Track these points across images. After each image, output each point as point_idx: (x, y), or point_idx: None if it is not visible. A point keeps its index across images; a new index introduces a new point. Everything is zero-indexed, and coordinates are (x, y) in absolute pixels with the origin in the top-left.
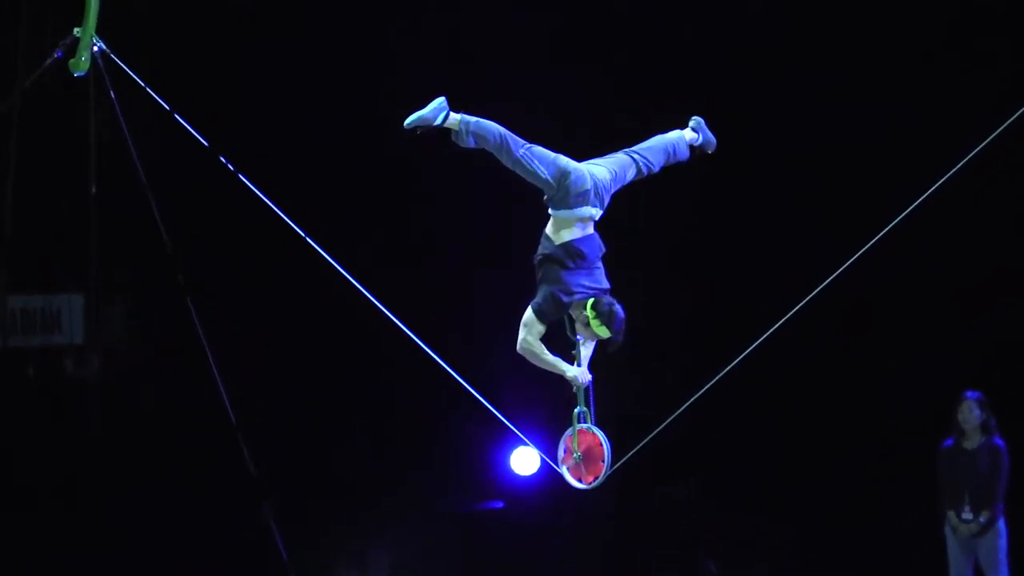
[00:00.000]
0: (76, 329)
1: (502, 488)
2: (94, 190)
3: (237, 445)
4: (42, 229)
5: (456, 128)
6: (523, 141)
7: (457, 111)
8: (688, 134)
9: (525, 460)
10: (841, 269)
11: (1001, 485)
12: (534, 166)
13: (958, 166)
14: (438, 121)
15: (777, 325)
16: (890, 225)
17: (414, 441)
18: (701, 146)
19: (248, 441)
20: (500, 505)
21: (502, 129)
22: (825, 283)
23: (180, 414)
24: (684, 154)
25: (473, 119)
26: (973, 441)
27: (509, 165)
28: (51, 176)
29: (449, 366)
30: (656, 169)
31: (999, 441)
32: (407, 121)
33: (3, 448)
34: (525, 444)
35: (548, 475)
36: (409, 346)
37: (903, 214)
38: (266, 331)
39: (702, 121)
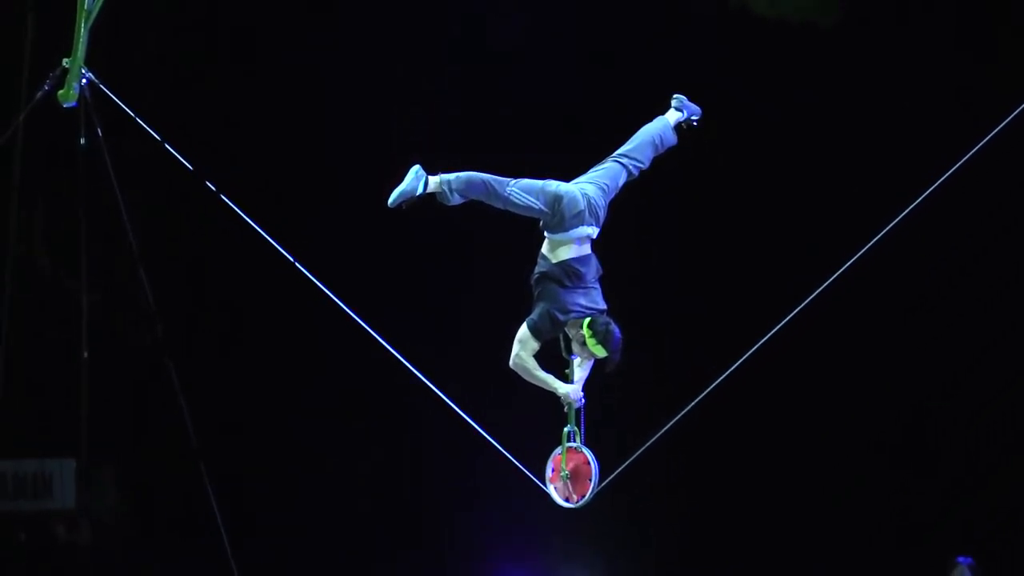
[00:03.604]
0: (68, 494)
1: None
2: (86, 355)
3: None
4: (33, 393)
5: (439, 190)
6: (508, 179)
7: (435, 172)
8: (672, 116)
9: None
10: (823, 287)
11: None
12: (525, 201)
13: (939, 181)
14: (420, 191)
15: (763, 340)
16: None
17: None
18: (687, 120)
19: None
20: None
21: (483, 176)
22: (810, 297)
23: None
24: (671, 140)
25: (453, 176)
26: None
27: (500, 207)
28: (41, 341)
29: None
30: (646, 165)
31: None
32: (390, 200)
33: None
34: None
35: None
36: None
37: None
38: None
39: (684, 98)
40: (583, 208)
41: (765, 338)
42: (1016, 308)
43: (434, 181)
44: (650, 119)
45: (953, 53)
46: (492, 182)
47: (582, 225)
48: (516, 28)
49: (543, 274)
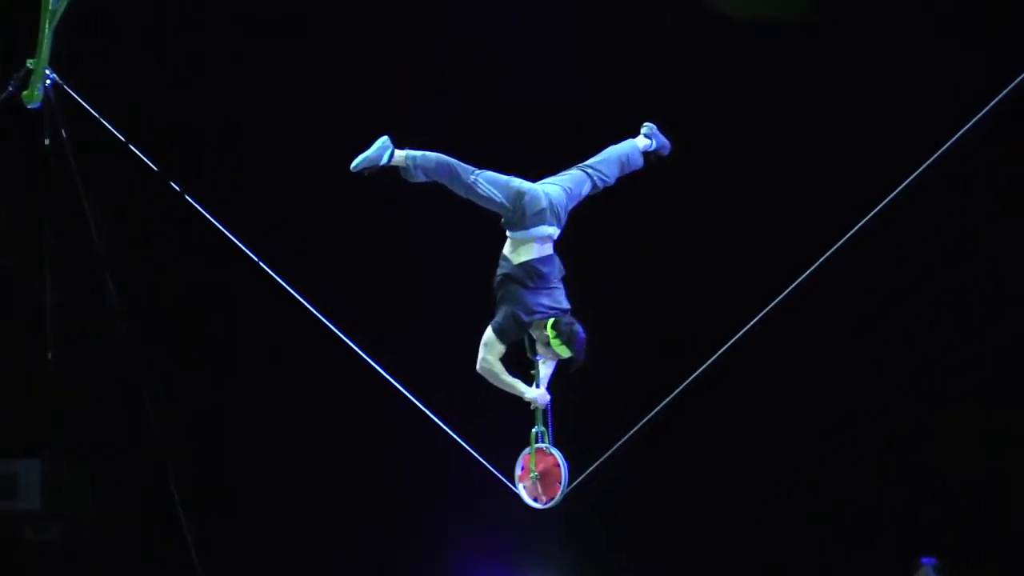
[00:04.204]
0: (33, 494)
1: None
2: (51, 356)
3: None
4: None
5: (403, 165)
6: (472, 168)
7: (401, 147)
8: (641, 141)
9: None
10: (796, 282)
11: None
12: (488, 191)
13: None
14: (384, 160)
15: (735, 338)
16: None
17: None
18: (656, 151)
19: None
20: None
21: (449, 159)
22: (779, 298)
23: None
24: (638, 163)
25: (419, 153)
26: None
27: (462, 194)
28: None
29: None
30: (611, 181)
31: None
32: (353, 164)
33: None
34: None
35: None
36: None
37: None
38: None
39: (655, 127)
40: (544, 207)
41: (736, 336)
42: (995, 302)
43: (400, 155)
44: (651, 118)
45: (953, 52)
46: (457, 167)
47: (543, 224)
48: (516, 28)
49: (506, 275)
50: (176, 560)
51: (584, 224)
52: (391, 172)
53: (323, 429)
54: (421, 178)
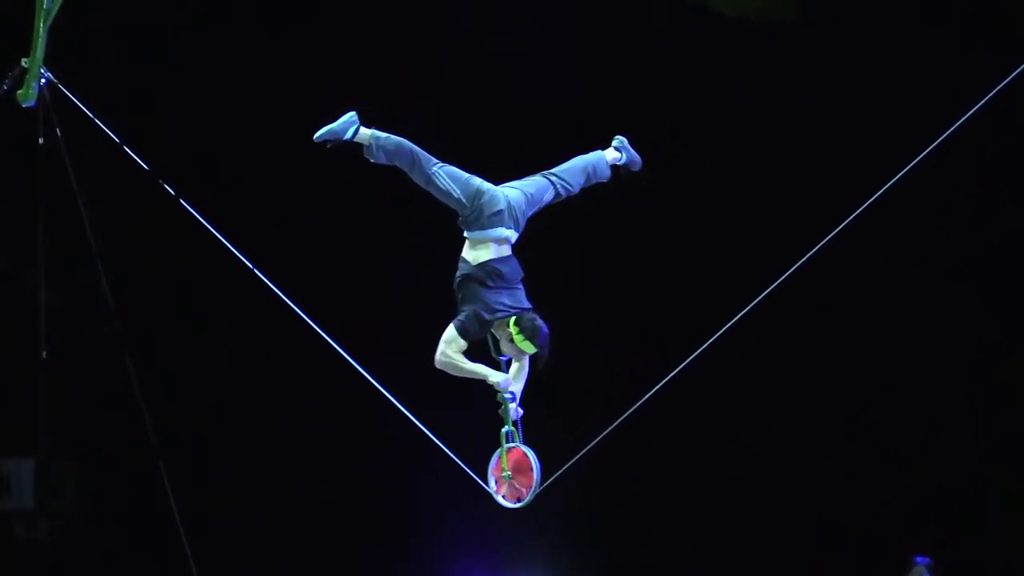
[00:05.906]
0: (26, 493)
1: None
2: (44, 354)
3: None
4: None
5: (367, 143)
6: (435, 160)
7: (368, 126)
8: (610, 154)
9: None
10: (778, 281)
11: None
12: (447, 185)
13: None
14: (348, 135)
15: (715, 336)
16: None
17: None
18: (625, 165)
19: None
20: None
21: (413, 147)
22: (751, 305)
23: None
24: (605, 174)
25: (384, 135)
26: None
27: (422, 184)
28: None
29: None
30: (575, 191)
31: None
32: (317, 134)
33: None
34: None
35: None
36: None
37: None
38: None
39: (625, 140)
40: (503, 208)
41: (723, 329)
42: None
43: (365, 133)
44: (650, 118)
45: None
46: (419, 156)
47: (501, 226)
48: (516, 28)
49: (466, 276)
50: (170, 559)
51: (583, 224)
52: (354, 147)
53: (313, 432)
54: (383, 159)
